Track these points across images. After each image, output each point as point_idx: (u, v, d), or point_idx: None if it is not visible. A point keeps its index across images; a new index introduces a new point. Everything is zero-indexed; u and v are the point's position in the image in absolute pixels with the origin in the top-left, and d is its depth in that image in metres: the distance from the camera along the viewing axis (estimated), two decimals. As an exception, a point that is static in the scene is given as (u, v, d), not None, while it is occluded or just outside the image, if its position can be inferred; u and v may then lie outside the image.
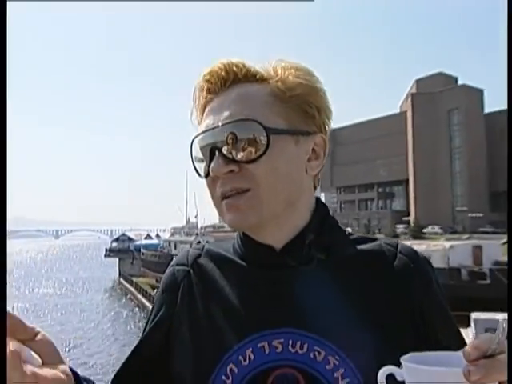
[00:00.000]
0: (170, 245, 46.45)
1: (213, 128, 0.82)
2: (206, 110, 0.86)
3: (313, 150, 0.87)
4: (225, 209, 0.83)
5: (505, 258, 27.64)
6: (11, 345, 0.57)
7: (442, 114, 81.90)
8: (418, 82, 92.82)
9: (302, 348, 0.78)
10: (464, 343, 0.83)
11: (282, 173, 0.82)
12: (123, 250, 56.89)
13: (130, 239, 63.65)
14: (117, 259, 54.54)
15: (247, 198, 0.81)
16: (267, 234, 0.86)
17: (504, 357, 0.56)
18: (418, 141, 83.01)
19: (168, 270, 0.96)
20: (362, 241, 0.92)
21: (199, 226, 59.32)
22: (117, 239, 64.89)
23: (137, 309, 32.07)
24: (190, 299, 0.88)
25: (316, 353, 0.77)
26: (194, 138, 0.87)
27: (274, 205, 0.82)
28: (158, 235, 75.31)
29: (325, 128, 0.89)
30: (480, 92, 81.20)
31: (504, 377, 0.56)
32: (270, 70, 0.86)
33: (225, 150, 0.80)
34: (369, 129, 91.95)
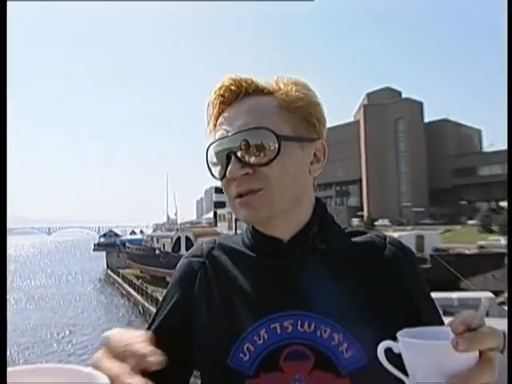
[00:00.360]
0: (152, 239, 45.67)
1: (228, 136, 0.82)
2: (220, 120, 0.87)
3: (314, 154, 0.89)
4: (239, 206, 0.84)
5: (442, 245, 28.60)
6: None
7: (389, 123, 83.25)
8: (368, 95, 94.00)
9: (309, 327, 0.79)
10: (441, 319, 0.87)
11: (290, 174, 0.83)
12: (110, 244, 55.90)
13: (116, 235, 62.74)
14: (104, 253, 53.35)
15: (259, 196, 0.81)
16: (276, 228, 0.87)
17: (484, 329, 0.59)
18: (370, 146, 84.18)
19: (183, 261, 0.94)
20: (355, 234, 0.93)
21: (178, 222, 58.59)
22: (104, 235, 63.79)
23: (124, 297, 31.55)
24: (206, 286, 0.88)
25: (322, 331, 0.78)
26: (210, 144, 0.86)
27: (282, 202, 0.83)
28: (141, 231, 74.43)
29: (322, 135, 0.90)
30: (420, 104, 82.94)
31: (484, 346, 0.59)
32: (273, 85, 0.87)
33: (239, 154, 0.81)
34: (328, 135, 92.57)
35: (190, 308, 0.87)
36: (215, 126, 0.88)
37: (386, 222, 68.84)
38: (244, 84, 0.85)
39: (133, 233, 69.87)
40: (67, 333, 22.50)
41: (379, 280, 0.85)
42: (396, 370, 0.66)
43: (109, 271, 45.53)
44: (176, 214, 65.58)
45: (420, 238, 25.85)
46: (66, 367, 0.37)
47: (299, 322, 0.79)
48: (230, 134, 0.82)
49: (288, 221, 0.86)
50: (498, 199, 61.88)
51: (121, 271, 39.42)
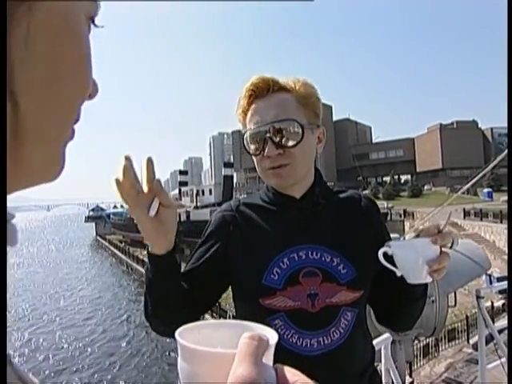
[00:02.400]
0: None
1: (264, 124, 0.82)
2: (252, 109, 0.85)
3: (318, 137, 0.90)
4: (271, 176, 0.85)
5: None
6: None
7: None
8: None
9: (317, 255, 0.82)
10: None
11: (307, 153, 0.85)
12: (98, 216, 53.76)
13: (102, 209, 60.30)
14: (93, 223, 51.79)
15: (287, 169, 0.83)
16: (292, 189, 0.88)
17: (446, 232, 0.72)
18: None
19: (217, 216, 0.92)
20: (340, 191, 0.96)
21: (151, 198, 57.52)
22: (93, 209, 60.98)
23: (111, 256, 31.30)
24: (240, 231, 0.88)
25: (325, 257, 0.82)
26: (247, 130, 0.86)
27: (302, 172, 0.86)
28: (122, 206, 71.65)
29: (320, 122, 0.90)
30: (330, 107, 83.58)
31: (446, 241, 0.71)
32: (291, 84, 0.86)
33: (274, 139, 0.81)
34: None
35: (227, 249, 0.86)
36: (243, 112, 0.87)
37: (306, 193, 70.51)
38: (271, 83, 0.84)
39: (115, 207, 67.74)
40: (67, 284, 22.35)
41: (359, 221, 0.89)
42: (389, 264, 0.72)
43: (98, 237, 44.66)
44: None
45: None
46: (241, 322, 0.34)
47: (309, 252, 0.82)
48: (264, 122, 0.82)
49: (301, 184, 0.88)
50: (382, 175, 66.19)
51: (107, 237, 38.82)
